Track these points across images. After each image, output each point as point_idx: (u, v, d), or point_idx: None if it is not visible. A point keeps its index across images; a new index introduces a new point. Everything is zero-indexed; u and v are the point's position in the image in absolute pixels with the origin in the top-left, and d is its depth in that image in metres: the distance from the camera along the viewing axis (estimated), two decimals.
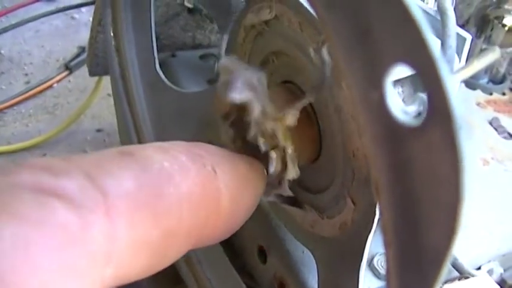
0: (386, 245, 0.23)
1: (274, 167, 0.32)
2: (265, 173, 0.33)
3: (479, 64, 0.25)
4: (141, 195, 0.25)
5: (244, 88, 0.30)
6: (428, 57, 0.17)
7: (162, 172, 0.26)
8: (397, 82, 0.29)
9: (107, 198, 0.23)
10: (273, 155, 0.32)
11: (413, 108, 0.26)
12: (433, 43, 0.17)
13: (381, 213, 0.22)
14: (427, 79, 0.17)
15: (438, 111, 0.17)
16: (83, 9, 0.93)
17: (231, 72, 0.30)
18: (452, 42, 0.29)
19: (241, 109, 0.32)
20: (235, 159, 0.31)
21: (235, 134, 0.34)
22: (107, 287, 0.23)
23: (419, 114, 0.29)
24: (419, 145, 0.18)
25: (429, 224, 0.19)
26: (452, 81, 0.17)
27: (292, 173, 0.33)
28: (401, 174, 0.20)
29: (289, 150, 0.32)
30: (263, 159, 0.33)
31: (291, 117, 0.32)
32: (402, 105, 0.24)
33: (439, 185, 0.18)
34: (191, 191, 0.27)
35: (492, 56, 0.26)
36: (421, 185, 0.19)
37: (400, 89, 0.29)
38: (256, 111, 0.31)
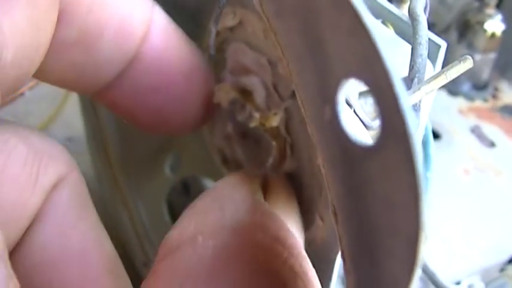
0: (346, 272, 0.21)
1: (273, 156, 0.32)
2: None
3: (452, 74, 0.23)
4: None
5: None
6: (382, 72, 0.15)
7: None
8: (363, 93, 0.27)
9: None
10: (273, 143, 0.32)
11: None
12: (388, 56, 0.15)
13: (339, 239, 0.20)
14: (380, 95, 0.15)
15: (393, 131, 0.15)
16: None
17: None
18: (423, 50, 0.27)
19: (246, 95, 0.32)
20: None
21: (234, 129, 0.34)
22: None
23: None
24: (374, 168, 0.16)
25: (386, 254, 0.17)
26: (409, 98, 0.15)
27: (290, 164, 0.33)
28: (357, 199, 0.18)
29: (289, 140, 0.32)
30: (261, 154, 0.33)
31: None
32: (364, 119, 0.22)
33: (396, 211, 0.16)
34: None
35: (464, 66, 0.24)
36: (377, 211, 0.17)
37: (367, 101, 0.28)
38: (261, 96, 0.31)
